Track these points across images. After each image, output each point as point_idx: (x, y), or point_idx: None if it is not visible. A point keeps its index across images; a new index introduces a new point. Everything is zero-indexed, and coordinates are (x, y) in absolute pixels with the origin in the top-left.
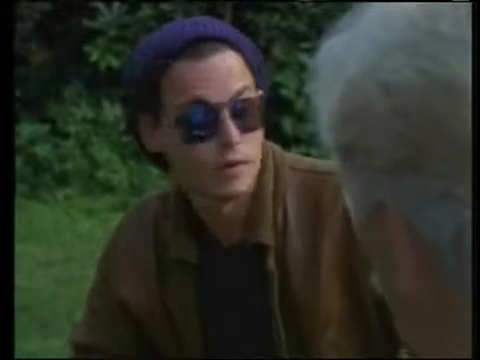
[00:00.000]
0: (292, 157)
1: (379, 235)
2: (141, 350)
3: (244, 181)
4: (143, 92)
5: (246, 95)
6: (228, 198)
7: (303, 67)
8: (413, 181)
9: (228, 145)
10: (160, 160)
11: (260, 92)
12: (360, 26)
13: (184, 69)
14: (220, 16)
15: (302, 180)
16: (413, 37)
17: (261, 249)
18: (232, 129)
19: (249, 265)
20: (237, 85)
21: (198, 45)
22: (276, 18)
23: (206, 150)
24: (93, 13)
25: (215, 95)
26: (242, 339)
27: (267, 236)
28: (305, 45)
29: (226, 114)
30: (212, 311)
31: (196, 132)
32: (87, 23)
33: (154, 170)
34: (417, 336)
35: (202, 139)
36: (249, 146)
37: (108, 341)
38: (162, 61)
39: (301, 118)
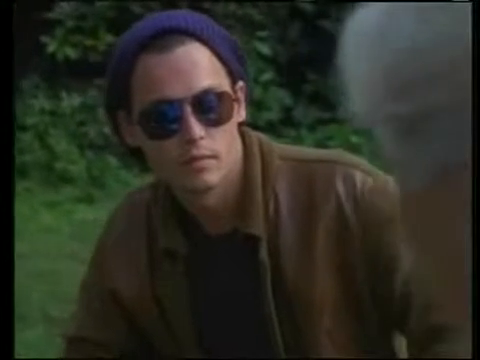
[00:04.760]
0: (280, 147)
1: (443, 201)
2: (135, 342)
3: (212, 174)
4: (116, 86)
5: (213, 89)
6: (198, 191)
7: (260, 55)
8: None
9: (190, 141)
10: (140, 154)
11: (240, 83)
12: None
13: (148, 63)
14: (176, 5)
15: (292, 169)
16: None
17: (252, 240)
18: (194, 125)
19: (241, 255)
20: (202, 79)
21: (163, 38)
22: (232, 6)
23: (170, 146)
24: (50, 3)
25: (177, 91)
26: (236, 329)
27: (258, 227)
28: (261, 34)
29: (188, 110)
30: (204, 301)
31: (158, 128)
32: (45, 14)
33: (113, 161)
34: (459, 296)
35: (166, 135)
36: (216, 140)
37: (101, 333)
38: (129, 55)
39: (259, 107)
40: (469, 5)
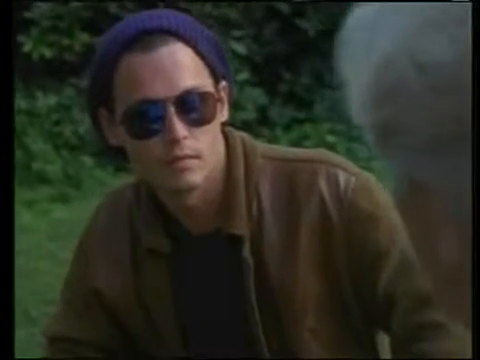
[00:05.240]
0: (264, 146)
1: (420, 211)
2: (118, 340)
3: (195, 174)
4: (98, 86)
5: (197, 89)
6: (181, 191)
7: (235, 55)
8: (454, 159)
9: (173, 141)
10: (122, 154)
11: (223, 83)
12: (391, 3)
13: (131, 63)
14: (153, 5)
15: (275, 168)
16: (447, 13)
17: (235, 239)
18: (177, 125)
19: (224, 255)
20: (185, 79)
21: (146, 37)
22: (208, 6)
23: (153, 146)
24: (26, 3)
25: (160, 90)
26: (219, 328)
27: (241, 227)
28: (237, 33)
29: (171, 110)
30: (187, 301)
31: (142, 128)
32: (20, 13)
33: (88, 161)
34: (451, 298)
35: (149, 135)
36: (199, 140)
37: (84, 332)
38: (112, 54)
39: (234, 106)
40: (469, 5)
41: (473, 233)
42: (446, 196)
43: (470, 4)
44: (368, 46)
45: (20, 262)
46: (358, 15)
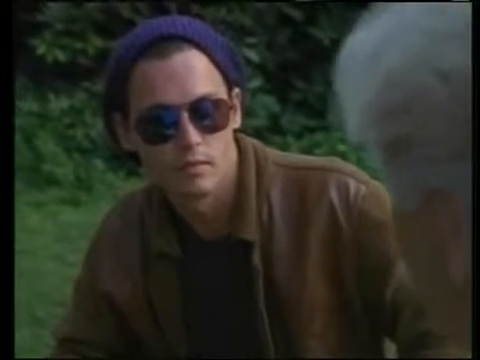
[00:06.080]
0: (275, 153)
1: (433, 223)
2: (125, 344)
3: (207, 180)
4: (113, 91)
5: (210, 96)
6: (193, 197)
7: (248, 62)
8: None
9: (186, 147)
10: (135, 158)
11: (236, 90)
12: (399, 16)
13: (146, 69)
14: (166, 10)
15: (286, 176)
16: (466, 23)
17: (245, 245)
18: (190, 131)
19: (234, 260)
20: (199, 86)
21: (161, 44)
22: (222, 12)
23: (166, 151)
24: (39, 6)
25: (174, 97)
26: (227, 333)
27: (251, 232)
28: (250, 40)
29: (185, 116)
30: (196, 305)
31: (155, 133)
32: (34, 16)
33: (100, 164)
34: (454, 317)
35: (162, 140)
36: (212, 146)
37: (93, 334)
38: (127, 60)
39: (248, 113)
40: (469, 5)
41: (473, 234)
42: (462, 199)
43: (470, 4)
44: (372, 66)
45: (27, 263)
46: (358, 39)
